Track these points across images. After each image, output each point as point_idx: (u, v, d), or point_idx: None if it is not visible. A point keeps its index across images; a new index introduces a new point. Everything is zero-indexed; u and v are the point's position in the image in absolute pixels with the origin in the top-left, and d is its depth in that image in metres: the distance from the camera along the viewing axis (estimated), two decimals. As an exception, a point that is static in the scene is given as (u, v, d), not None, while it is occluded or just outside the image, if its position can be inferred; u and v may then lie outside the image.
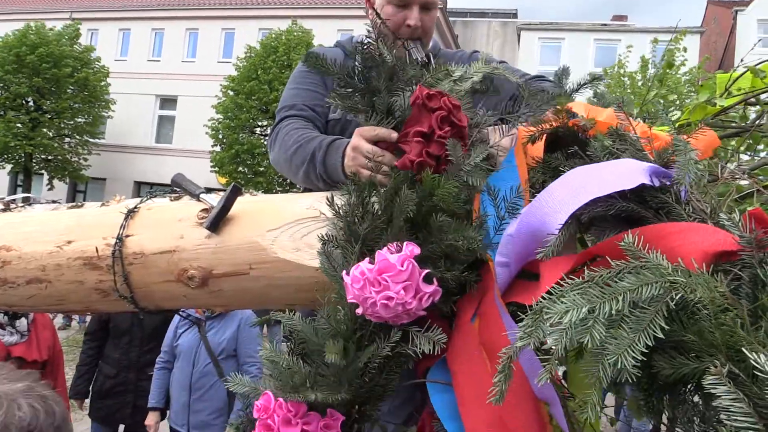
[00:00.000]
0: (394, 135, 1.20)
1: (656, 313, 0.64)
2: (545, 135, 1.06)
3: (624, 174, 0.84)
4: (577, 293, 0.68)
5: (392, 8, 1.59)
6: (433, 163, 1.10)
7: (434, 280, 1.01)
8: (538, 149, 1.07)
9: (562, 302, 0.67)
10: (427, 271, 1.00)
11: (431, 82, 1.21)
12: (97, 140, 22.24)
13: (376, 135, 1.23)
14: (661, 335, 0.63)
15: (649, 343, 0.63)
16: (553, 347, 0.68)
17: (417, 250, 1.01)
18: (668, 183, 0.84)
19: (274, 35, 18.83)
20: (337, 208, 1.15)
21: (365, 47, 1.25)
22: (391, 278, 0.98)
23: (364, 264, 1.00)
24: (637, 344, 0.63)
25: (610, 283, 0.68)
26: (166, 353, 3.71)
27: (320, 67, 1.27)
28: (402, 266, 0.98)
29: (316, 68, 1.29)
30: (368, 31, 1.41)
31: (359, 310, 1.01)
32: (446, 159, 1.10)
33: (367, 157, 1.22)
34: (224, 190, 1.35)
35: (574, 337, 0.65)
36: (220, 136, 18.43)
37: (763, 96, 1.42)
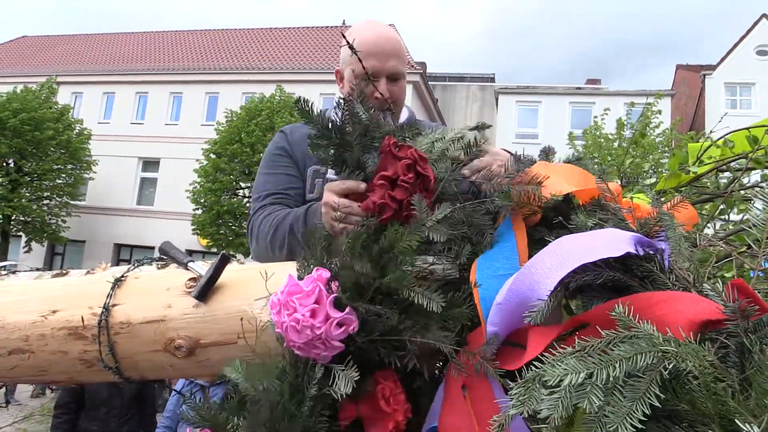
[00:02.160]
0: (363, 185, 1.22)
1: (651, 381, 0.65)
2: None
3: (611, 243, 0.87)
4: (574, 359, 0.69)
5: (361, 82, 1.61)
6: (394, 206, 1.10)
7: (348, 308, 1.00)
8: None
9: (560, 367, 0.68)
10: (335, 295, 1.00)
11: (403, 140, 1.24)
12: (77, 202, 22.12)
13: (345, 188, 1.25)
14: (657, 404, 0.64)
15: (646, 411, 0.64)
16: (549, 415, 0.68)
17: (327, 274, 1.02)
18: (652, 252, 0.87)
19: (257, 100, 19.15)
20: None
21: (343, 105, 1.27)
22: (299, 300, 0.98)
23: (279, 289, 1.02)
24: (634, 412, 0.64)
25: (606, 350, 0.70)
26: (168, 419, 3.57)
27: (306, 116, 1.27)
28: (307, 287, 0.99)
29: (303, 116, 1.29)
30: (348, 92, 1.46)
31: (285, 343, 1.01)
32: (410, 210, 1.10)
33: (335, 209, 1.24)
34: (206, 252, 1.36)
35: (570, 403, 0.66)
36: (201, 200, 18.44)
37: (732, 164, 1.49)
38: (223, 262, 1.33)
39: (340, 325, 0.99)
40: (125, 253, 24.36)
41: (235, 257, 1.52)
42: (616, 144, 16.80)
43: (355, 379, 0.97)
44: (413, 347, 1.02)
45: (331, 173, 1.61)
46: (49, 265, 24.06)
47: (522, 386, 0.73)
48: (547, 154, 1.28)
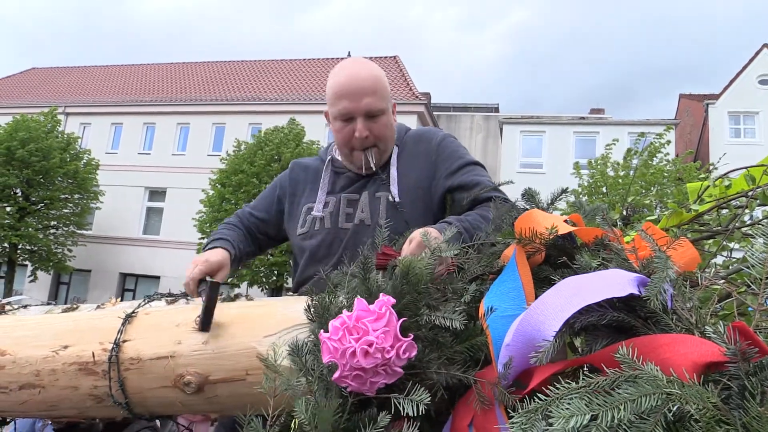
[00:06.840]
0: None
1: (655, 424, 0.67)
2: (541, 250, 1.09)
3: (614, 284, 0.88)
4: (578, 398, 0.71)
5: (340, 123, 1.69)
6: None
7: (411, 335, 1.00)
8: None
9: (566, 408, 0.69)
10: (404, 319, 1.00)
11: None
12: (83, 231, 22.21)
13: None
14: (660, 446, 0.65)
15: (650, 454, 0.65)
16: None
17: (392, 300, 1.02)
18: (654, 293, 0.88)
19: (270, 131, 19.28)
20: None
21: None
22: (370, 323, 0.97)
23: (344, 314, 1.01)
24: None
25: (609, 391, 0.71)
26: None
27: None
28: (380, 310, 0.99)
29: None
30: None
31: (336, 375, 0.98)
32: None
33: None
34: (212, 282, 1.36)
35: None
36: (207, 229, 18.51)
37: (733, 202, 1.51)
38: (214, 289, 1.35)
39: (404, 351, 0.99)
40: (130, 283, 24.34)
41: (239, 288, 1.54)
42: (621, 172, 16.74)
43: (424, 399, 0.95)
44: (440, 378, 1.02)
45: (317, 209, 1.76)
46: (54, 295, 24.07)
47: (524, 415, 0.74)
48: (532, 196, 1.28)
